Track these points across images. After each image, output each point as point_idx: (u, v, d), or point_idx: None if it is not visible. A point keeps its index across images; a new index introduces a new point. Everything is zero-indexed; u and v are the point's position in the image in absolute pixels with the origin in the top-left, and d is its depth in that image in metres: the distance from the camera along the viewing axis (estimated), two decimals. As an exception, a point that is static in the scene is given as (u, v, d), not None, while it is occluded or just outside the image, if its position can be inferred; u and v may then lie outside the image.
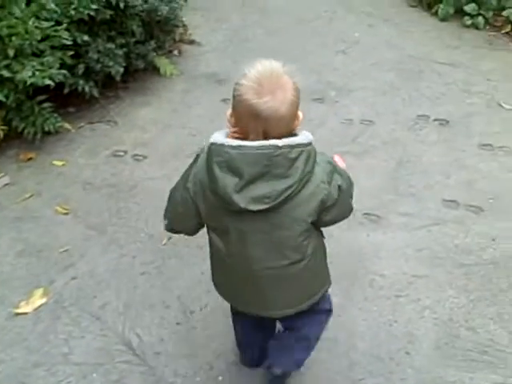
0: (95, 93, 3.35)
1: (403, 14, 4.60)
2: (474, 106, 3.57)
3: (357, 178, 2.90)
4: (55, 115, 3.14)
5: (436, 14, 4.53)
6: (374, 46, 4.18)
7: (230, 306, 1.98)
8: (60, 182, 2.96)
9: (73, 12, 3.01)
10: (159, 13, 3.43)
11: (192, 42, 4.12)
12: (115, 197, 2.87)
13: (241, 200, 1.51)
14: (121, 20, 3.35)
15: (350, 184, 1.75)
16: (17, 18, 2.87)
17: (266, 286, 1.72)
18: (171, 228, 1.80)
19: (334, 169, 1.65)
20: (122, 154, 3.17)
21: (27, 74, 2.81)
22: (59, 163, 3.08)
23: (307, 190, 1.57)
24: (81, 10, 3.03)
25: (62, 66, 3.04)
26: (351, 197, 1.76)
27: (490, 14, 4.43)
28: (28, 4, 2.96)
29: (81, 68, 3.23)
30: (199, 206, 1.64)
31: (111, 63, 3.31)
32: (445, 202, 2.86)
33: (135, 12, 3.34)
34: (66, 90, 3.23)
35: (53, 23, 2.94)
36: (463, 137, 3.31)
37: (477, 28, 4.39)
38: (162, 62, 3.74)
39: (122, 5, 3.20)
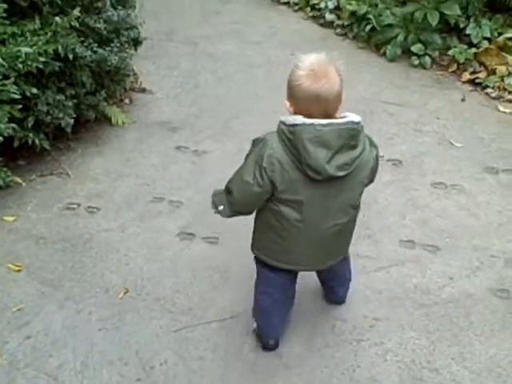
0: (46, 145, 3.33)
1: (352, 56, 4.72)
2: (425, 145, 3.67)
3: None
4: (5, 169, 3.11)
5: (384, 54, 4.68)
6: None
7: (262, 281, 2.32)
8: (11, 238, 2.92)
9: (20, 65, 3.01)
10: (109, 63, 3.46)
11: (143, 90, 4.15)
12: (69, 251, 2.85)
13: (330, 168, 1.92)
14: (70, 71, 3.36)
15: (378, 158, 2.13)
16: (-37, 72, 2.86)
17: (330, 242, 2.17)
18: (232, 212, 2.21)
19: (371, 141, 2.09)
20: (74, 206, 3.15)
21: (-25, 129, 2.80)
22: (10, 219, 3.04)
23: (364, 158, 2.02)
24: (29, 63, 3.03)
25: (11, 119, 3.03)
26: (377, 169, 2.17)
27: (436, 53, 4.60)
28: (-27, 58, 2.97)
29: (30, 121, 3.21)
30: (276, 181, 1.98)
31: (61, 115, 3.30)
32: (402, 242, 2.92)
33: (85, 63, 3.35)
34: (16, 144, 3.21)
35: (0, 77, 2.94)
36: (417, 176, 3.40)
37: (424, 68, 4.55)
38: (114, 112, 3.76)
39: (71, 56, 3.21)
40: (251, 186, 2.01)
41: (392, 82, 4.36)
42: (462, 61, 4.47)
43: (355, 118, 1.95)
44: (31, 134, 3.24)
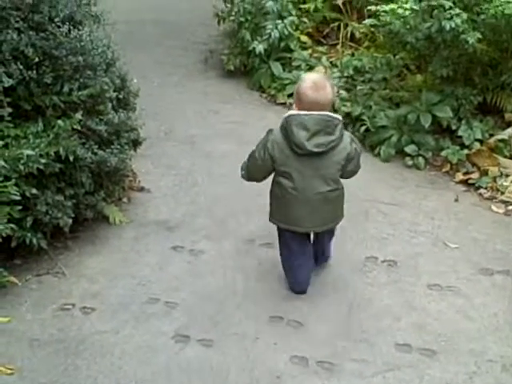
0: (43, 244, 3.38)
1: (347, 156, 4.85)
2: (420, 246, 3.73)
3: (308, 324, 3.02)
4: (1, 270, 3.15)
5: (379, 155, 4.81)
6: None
7: (282, 243, 3.28)
8: (5, 340, 2.92)
9: (22, 167, 3.10)
10: (109, 164, 3.56)
11: (141, 189, 4.25)
12: (63, 353, 2.85)
13: (309, 145, 2.90)
14: (70, 172, 3.46)
15: (360, 151, 3.20)
16: (-35, 175, 2.95)
17: (320, 207, 3.07)
18: (248, 177, 3.29)
19: (353, 139, 3.11)
20: (69, 307, 3.17)
21: (-26, 230, 2.86)
22: (5, 319, 3.05)
23: (341, 145, 3.00)
24: (30, 164, 3.13)
25: (10, 219, 3.09)
26: (359, 160, 3.20)
27: (430, 154, 4.74)
28: (-24, 161, 3.06)
29: (29, 221, 3.28)
30: (275, 157, 3.01)
31: (60, 215, 3.38)
32: (398, 346, 2.93)
33: (85, 164, 3.46)
34: (14, 244, 3.26)
35: (1, 178, 3.02)
36: (412, 277, 3.44)
37: (418, 168, 4.67)
38: (111, 210, 3.83)
39: (71, 158, 3.32)
40: (256, 161, 3.10)
41: (387, 182, 4.47)
42: (454, 161, 4.59)
43: (334, 115, 2.98)
44: (29, 234, 3.31)
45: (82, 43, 3.43)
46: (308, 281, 3.29)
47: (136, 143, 4.02)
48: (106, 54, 3.65)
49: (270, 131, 3.07)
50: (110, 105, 3.68)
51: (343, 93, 5.45)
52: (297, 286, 3.28)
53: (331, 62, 6.06)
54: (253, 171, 3.21)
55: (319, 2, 6.49)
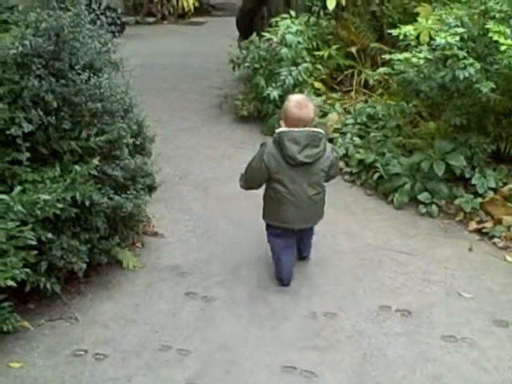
0: (57, 289, 3.39)
1: (360, 203, 4.87)
2: (434, 296, 3.71)
3: (321, 374, 2.99)
4: (14, 315, 3.15)
5: (392, 202, 4.81)
6: (333, 235, 4.38)
7: (273, 240, 3.80)
8: (16, 386, 2.92)
9: (39, 212, 3.13)
10: (124, 209, 3.59)
11: (155, 234, 4.27)
12: (74, 401, 2.84)
13: (300, 157, 3.47)
14: (86, 217, 3.49)
15: (338, 159, 4.41)
16: (-18, 218, 2.98)
17: (309, 208, 3.65)
18: (247, 186, 3.80)
19: (333, 148, 3.89)
20: (82, 353, 3.16)
21: (-11, 275, 2.88)
22: (17, 365, 3.05)
23: (325, 155, 3.58)
24: (47, 209, 3.16)
25: (25, 264, 3.11)
26: (338, 167, 4.09)
27: (443, 202, 4.74)
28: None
29: (43, 265, 3.30)
30: (270, 167, 3.52)
31: (74, 259, 3.39)
32: (412, 399, 2.89)
33: (100, 209, 3.49)
34: (28, 288, 3.27)
35: (18, 223, 3.05)
36: (426, 328, 3.41)
37: (431, 216, 4.66)
38: (125, 255, 3.84)
39: (87, 203, 3.35)
40: (254, 171, 3.62)
41: (400, 230, 4.47)
42: (468, 210, 4.59)
43: (319, 130, 3.56)
44: (43, 279, 3.32)
45: (101, 90, 3.50)
46: (292, 272, 3.83)
47: (151, 188, 4.05)
48: (124, 100, 3.71)
49: (263, 144, 3.63)
50: (126, 150, 3.73)
51: (356, 139, 5.49)
52: (284, 277, 3.78)
53: (345, 109, 6.11)
54: (251, 180, 3.72)
55: (333, 50, 6.58)
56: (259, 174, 3.61)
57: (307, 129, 3.49)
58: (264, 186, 3.73)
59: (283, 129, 3.52)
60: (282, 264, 3.77)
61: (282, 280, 3.78)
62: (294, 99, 3.58)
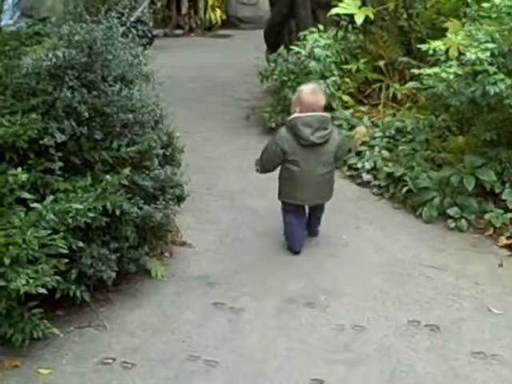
0: (86, 297, 3.41)
1: (388, 217, 4.84)
2: (463, 311, 3.66)
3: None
4: (45, 321, 3.17)
5: (420, 216, 4.77)
6: (361, 248, 4.36)
7: (287, 216, 4.27)
8: (45, 393, 2.93)
9: (70, 220, 3.16)
10: (153, 219, 3.61)
11: (183, 244, 4.28)
12: (102, 409, 2.84)
13: (313, 138, 3.94)
14: (115, 226, 3.50)
15: (345, 141, 4.66)
16: (15, 227, 3.01)
17: (320, 186, 4.14)
18: (263, 170, 4.27)
19: (339, 132, 4.37)
20: (110, 361, 3.17)
21: (21, 282, 2.89)
22: (45, 371, 3.07)
23: (333, 137, 4.08)
24: (78, 218, 3.18)
25: (55, 272, 3.13)
26: (346, 147, 4.61)
27: (473, 216, 4.68)
28: (26, 213, 3.13)
29: (74, 273, 3.32)
30: (285, 149, 4.00)
31: (104, 268, 3.41)
32: (442, 416, 2.85)
33: (130, 218, 3.51)
34: (58, 296, 3.29)
35: (50, 231, 3.08)
36: (455, 344, 3.36)
37: (460, 231, 4.61)
38: (153, 265, 3.85)
39: (118, 212, 3.37)
40: (270, 154, 4.11)
41: (429, 245, 4.42)
42: (498, 225, 4.53)
43: (326, 114, 4.09)
44: (73, 286, 3.33)
45: (132, 101, 3.53)
46: (303, 241, 4.32)
47: (180, 199, 4.06)
48: (154, 111, 3.74)
49: (277, 132, 4.18)
50: (156, 161, 3.76)
51: (385, 153, 5.46)
52: (296, 246, 4.26)
53: (372, 122, 6.08)
54: (267, 164, 4.20)
55: (361, 63, 6.58)
56: (275, 157, 4.08)
57: (318, 113, 4.01)
58: (279, 169, 4.20)
59: (296, 114, 4.02)
60: (294, 235, 4.26)
61: (294, 247, 4.26)
62: (307, 87, 4.18)
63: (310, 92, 4.07)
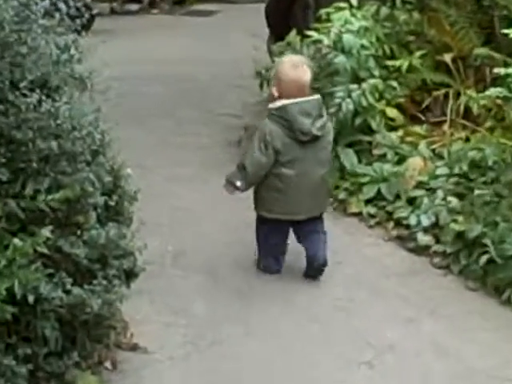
0: None
1: (458, 303, 4.84)
2: None
3: None
4: None
5: (508, 302, 4.77)
6: (415, 352, 4.35)
7: (271, 235, 4.96)
8: None
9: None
10: (88, 309, 3.57)
11: (134, 348, 4.23)
12: None
13: (314, 129, 4.62)
14: (27, 320, 3.47)
15: None
16: None
17: (317, 190, 4.76)
18: (250, 183, 4.75)
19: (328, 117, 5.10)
20: None
21: None
22: None
23: (329, 125, 4.94)
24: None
25: None
26: None
27: None
28: None
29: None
30: (278, 148, 4.58)
31: (7, 387, 3.39)
32: None
33: (51, 308, 3.48)
34: None
35: None
36: None
37: None
38: (87, 382, 3.82)
39: (31, 298, 3.34)
40: (260, 158, 4.59)
41: (522, 346, 4.43)
42: None
43: (318, 96, 4.77)
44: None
45: (58, 121, 3.51)
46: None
47: (131, 275, 4.04)
48: (92, 136, 3.72)
49: (257, 129, 4.77)
50: (94, 215, 3.74)
51: (453, 200, 5.47)
52: (275, 267, 5.04)
53: (434, 151, 6.13)
54: (255, 173, 4.69)
55: (416, 58, 6.60)
56: (267, 161, 4.64)
57: (313, 97, 4.76)
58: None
59: (286, 101, 4.63)
60: (275, 258, 5.02)
61: (275, 271, 5.04)
62: (287, 60, 4.98)
63: (291, 66, 4.78)
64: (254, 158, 4.62)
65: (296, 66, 4.69)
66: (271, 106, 4.66)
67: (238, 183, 4.70)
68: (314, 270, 4.93)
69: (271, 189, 4.66)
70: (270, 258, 4.98)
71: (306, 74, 4.67)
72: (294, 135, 4.55)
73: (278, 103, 4.61)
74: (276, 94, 4.71)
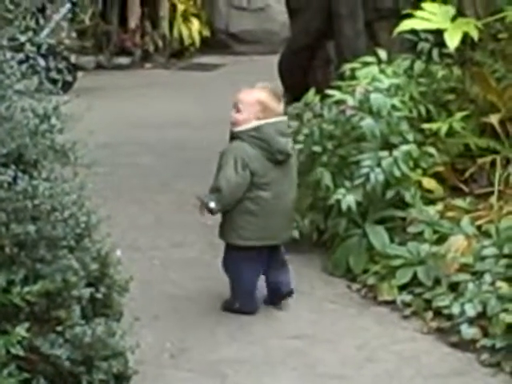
0: None
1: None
2: None
3: None
4: None
5: None
6: None
7: (249, 265, 5.46)
8: None
9: None
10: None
11: None
12: None
13: (289, 149, 5.52)
14: None
15: None
16: None
17: (290, 213, 5.69)
18: (223, 207, 5.28)
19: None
20: None
21: None
22: None
23: (292, 145, 5.85)
24: None
25: None
26: None
27: None
28: None
29: None
30: (255, 169, 5.25)
31: None
32: None
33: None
34: None
35: None
36: None
37: None
38: None
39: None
40: (236, 179, 5.10)
41: None
42: None
43: (285, 117, 5.74)
44: None
45: (36, 201, 3.54)
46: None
47: (121, 378, 4.03)
48: (75, 218, 3.74)
49: (228, 151, 5.35)
50: (77, 309, 3.74)
51: (503, 286, 5.44)
52: (254, 304, 5.57)
53: (479, 227, 6.11)
54: (231, 194, 5.21)
55: (457, 120, 6.61)
56: (243, 184, 5.22)
57: (284, 118, 5.63)
58: None
59: (260, 122, 5.33)
60: (253, 292, 5.53)
61: (251, 309, 5.56)
62: (268, 91, 5.53)
63: (274, 98, 5.52)
64: (230, 179, 5.12)
65: (277, 95, 5.55)
66: (245, 127, 5.27)
67: (212, 204, 5.16)
68: (281, 298, 5.65)
69: (244, 212, 5.21)
70: (245, 296, 5.45)
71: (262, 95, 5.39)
72: (272, 156, 5.21)
73: (254, 123, 5.26)
74: (252, 119, 5.29)
